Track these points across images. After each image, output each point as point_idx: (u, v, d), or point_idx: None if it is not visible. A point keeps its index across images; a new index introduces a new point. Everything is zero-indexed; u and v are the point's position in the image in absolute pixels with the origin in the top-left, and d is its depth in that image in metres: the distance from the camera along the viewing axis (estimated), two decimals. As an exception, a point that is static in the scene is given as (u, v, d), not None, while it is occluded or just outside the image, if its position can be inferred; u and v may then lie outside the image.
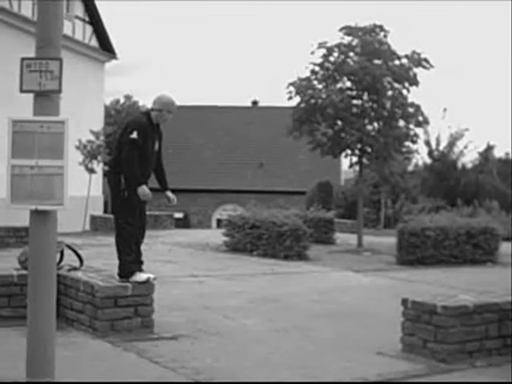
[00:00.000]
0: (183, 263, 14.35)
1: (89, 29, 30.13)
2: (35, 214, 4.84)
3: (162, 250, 16.47)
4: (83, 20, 29.66)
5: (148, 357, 6.40)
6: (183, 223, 36.38)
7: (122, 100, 57.71)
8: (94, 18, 30.10)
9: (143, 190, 7.27)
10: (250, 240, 16.87)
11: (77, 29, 29.02)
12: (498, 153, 50.37)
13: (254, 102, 48.57)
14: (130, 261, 7.43)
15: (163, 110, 7.56)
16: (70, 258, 8.44)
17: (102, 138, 26.20)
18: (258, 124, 44.49)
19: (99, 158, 25.54)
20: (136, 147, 7.29)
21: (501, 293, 7.62)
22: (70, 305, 7.65)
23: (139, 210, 7.55)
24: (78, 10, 29.23)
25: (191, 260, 15.09)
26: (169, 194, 7.79)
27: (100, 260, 12.01)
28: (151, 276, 7.47)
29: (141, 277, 7.40)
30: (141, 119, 7.59)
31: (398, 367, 6.32)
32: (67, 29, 27.10)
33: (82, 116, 25.72)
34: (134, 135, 7.28)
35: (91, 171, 25.29)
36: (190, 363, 6.22)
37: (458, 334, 6.58)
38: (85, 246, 15.54)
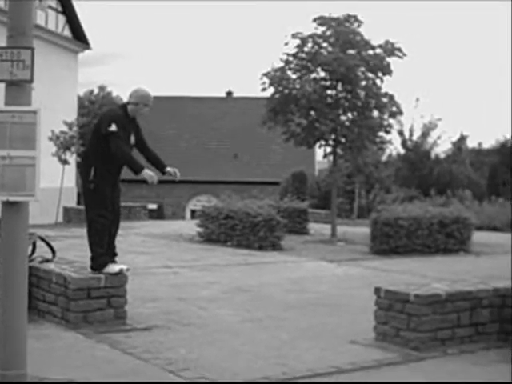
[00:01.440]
0: (157, 254, 14.31)
1: (62, 19, 29.86)
2: (6, 205, 4.80)
3: (135, 242, 16.42)
4: (56, 10, 29.38)
5: (121, 348, 6.37)
6: (157, 214, 36.21)
7: (96, 91, 57.41)
8: (67, 8, 29.83)
9: (147, 174, 7.19)
10: (224, 231, 16.86)
11: (50, 19, 28.74)
12: (471, 143, 50.82)
13: (229, 93, 48.46)
14: (101, 253, 7.38)
15: (140, 103, 7.52)
16: (42, 250, 8.38)
17: (75, 128, 26.01)
18: (232, 115, 44.42)
19: (72, 148, 25.35)
20: (118, 137, 7.24)
21: (473, 281, 7.68)
22: (43, 297, 7.59)
23: (112, 202, 7.50)
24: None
25: (165, 251, 15.05)
26: (169, 169, 7.72)
27: (73, 252, 11.94)
28: (124, 267, 7.43)
29: (113, 268, 7.36)
30: (116, 111, 7.55)
31: (371, 356, 6.35)
32: (40, 19, 26.85)
33: (55, 106, 25.52)
34: (113, 127, 7.22)
35: (64, 162, 25.11)
36: (164, 354, 6.20)
37: (430, 322, 6.62)
38: (58, 238, 15.45)
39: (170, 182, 41.38)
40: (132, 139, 7.58)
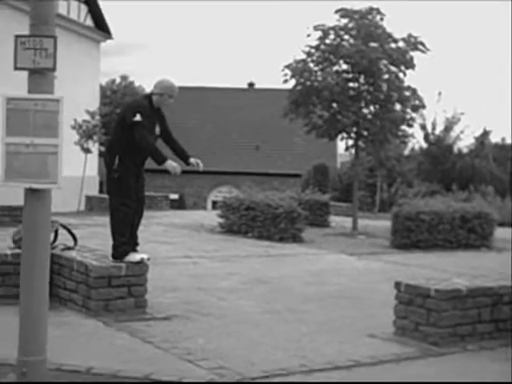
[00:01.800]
0: (178, 244, 14.34)
1: (84, 8, 29.92)
2: (29, 192, 4.83)
3: (157, 231, 16.47)
4: (78, 0, 29.49)
5: (141, 337, 6.41)
6: (178, 204, 36.33)
7: (118, 80, 57.55)
8: (89, -3, 29.95)
9: (171, 165, 7.24)
10: (245, 222, 16.86)
11: (72, 8, 28.80)
12: (494, 138, 50.38)
13: (251, 84, 48.43)
14: (123, 242, 7.42)
15: (164, 94, 7.53)
16: (64, 238, 8.44)
17: (97, 117, 26.08)
18: (254, 106, 44.39)
19: (95, 137, 25.43)
20: (143, 127, 7.26)
21: (494, 277, 7.64)
22: (64, 284, 7.65)
23: (136, 192, 7.52)
24: (73, -11, 29.08)
25: (186, 241, 15.09)
26: (192, 160, 7.77)
27: (94, 240, 12.01)
28: (145, 256, 7.47)
29: (134, 257, 7.40)
30: (141, 102, 7.58)
31: (390, 350, 6.34)
32: (62, 8, 26.92)
33: (78, 95, 25.58)
34: (138, 117, 7.24)
35: (87, 151, 25.19)
36: (182, 344, 6.23)
37: (450, 317, 6.60)
38: (80, 226, 15.53)
39: (192, 173, 41.38)
40: (157, 129, 7.61)
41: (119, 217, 7.44)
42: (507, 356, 6.38)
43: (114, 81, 57.09)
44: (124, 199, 7.39)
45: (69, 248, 8.14)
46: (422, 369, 5.82)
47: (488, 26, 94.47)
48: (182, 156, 7.85)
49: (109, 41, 31.93)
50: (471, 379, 5.57)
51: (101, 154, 32.97)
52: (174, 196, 37.70)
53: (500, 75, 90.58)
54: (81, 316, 7.12)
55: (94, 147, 26.32)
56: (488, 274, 8.41)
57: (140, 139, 7.26)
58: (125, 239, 7.43)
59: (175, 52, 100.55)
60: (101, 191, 31.81)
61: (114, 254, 7.46)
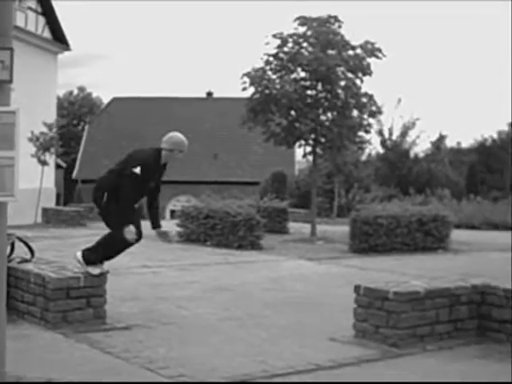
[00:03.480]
0: (136, 254, 14.16)
1: (41, 20, 29.73)
2: (-16, 204, 4.76)
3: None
4: (36, 11, 29.25)
5: (100, 347, 6.36)
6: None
7: (76, 92, 57.17)
8: (46, 9, 29.71)
9: (129, 231, 7.22)
10: (204, 230, 16.86)
11: (29, 20, 28.61)
12: (450, 142, 51.08)
13: (209, 94, 48.45)
14: (102, 256, 7.38)
15: (175, 149, 7.46)
16: (21, 250, 8.33)
17: (54, 129, 25.90)
18: (212, 115, 44.41)
19: (52, 150, 25.24)
20: (136, 182, 7.19)
21: (452, 278, 7.73)
22: (21, 297, 7.55)
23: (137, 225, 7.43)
24: (31, 1, 28.85)
25: (144, 251, 14.94)
26: (161, 231, 7.88)
27: (51, 252, 11.94)
28: (103, 271, 7.43)
29: (95, 270, 7.34)
30: (149, 156, 7.41)
31: (351, 352, 6.37)
32: (20, 20, 26.75)
33: (35, 107, 25.36)
34: (137, 170, 7.15)
35: (43, 163, 24.98)
36: (143, 353, 6.19)
37: (409, 319, 6.66)
38: (36, 239, 15.35)
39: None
40: (151, 185, 7.52)
41: (118, 245, 7.40)
42: (466, 355, 6.46)
43: (71, 92, 56.71)
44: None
45: (26, 260, 8.04)
46: (382, 370, 5.86)
47: (443, 30, 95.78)
48: (153, 222, 7.86)
49: (67, 52, 31.74)
50: (431, 379, 5.63)
51: (58, 166, 32.67)
52: (133, 206, 37.43)
53: (455, 80, 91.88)
54: (39, 328, 7.03)
55: (51, 159, 26.10)
56: (445, 275, 8.51)
57: (126, 193, 7.20)
58: (106, 256, 7.41)
59: (134, 62, 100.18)
60: (57, 203, 31.51)
61: (87, 256, 7.39)
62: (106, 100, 52.59)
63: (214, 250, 15.68)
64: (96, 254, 7.39)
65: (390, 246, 16.01)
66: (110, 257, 7.49)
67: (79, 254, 7.42)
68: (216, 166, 41.97)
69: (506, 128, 49.57)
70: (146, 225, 7.58)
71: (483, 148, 47.13)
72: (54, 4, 29.95)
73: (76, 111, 54.12)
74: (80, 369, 5.65)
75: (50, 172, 28.15)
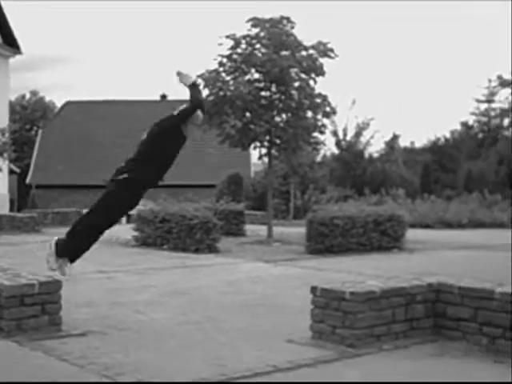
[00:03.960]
0: (91, 259, 14.01)
1: (-8, 24, 29.37)
2: None
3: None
4: (-15, 15, 28.88)
5: (56, 355, 6.27)
6: (92, 219, 35.76)
7: (28, 96, 56.51)
8: (-4, 14, 29.36)
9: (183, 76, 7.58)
10: (161, 234, 16.78)
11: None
12: (404, 142, 51.62)
13: (163, 96, 48.24)
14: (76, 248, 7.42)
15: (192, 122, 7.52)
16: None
17: (7, 135, 25.52)
18: (167, 118, 44.19)
19: (4, 155, 24.86)
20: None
21: (407, 277, 7.79)
22: (-26, 305, 7.41)
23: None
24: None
25: (99, 256, 14.82)
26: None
27: (6, 259, 11.73)
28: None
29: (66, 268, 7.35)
30: None
31: (308, 354, 6.38)
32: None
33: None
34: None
35: (-4, 169, 24.60)
36: (100, 359, 6.13)
37: (366, 318, 6.69)
38: (-10, 246, 15.13)
39: (104, 187, 40.15)
40: None
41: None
42: (422, 353, 6.51)
43: (23, 96, 56.03)
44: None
45: (-22, 268, 7.91)
46: (339, 371, 5.88)
47: (396, 31, 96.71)
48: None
49: (18, 56, 31.35)
50: (387, 378, 5.66)
51: (11, 172, 32.17)
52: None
53: (408, 80, 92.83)
54: (-7, 337, 6.91)
55: (4, 165, 25.73)
56: (401, 274, 8.57)
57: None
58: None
59: (88, 65, 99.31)
60: (11, 209, 31.09)
61: (62, 248, 7.36)
62: (59, 104, 52.06)
63: (170, 253, 15.61)
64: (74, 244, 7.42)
65: (346, 247, 16.11)
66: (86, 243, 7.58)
67: (54, 241, 7.42)
68: (172, 169, 41.59)
69: (458, 127, 50.35)
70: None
71: (436, 147, 47.77)
72: (5, 9, 29.60)
73: (29, 115, 53.46)
74: (35, 377, 5.56)
75: (3, 178, 27.77)
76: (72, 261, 7.51)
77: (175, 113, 7.44)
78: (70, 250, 7.44)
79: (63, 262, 7.42)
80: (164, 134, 7.40)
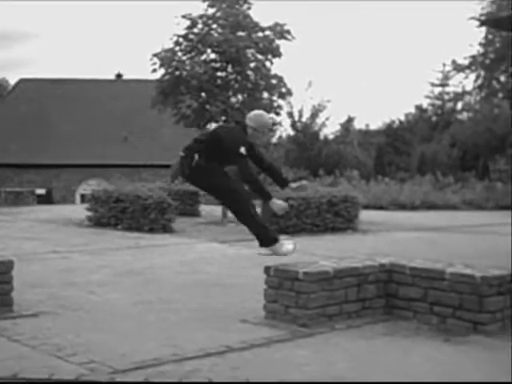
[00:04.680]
0: (45, 240, 14.00)
1: None
2: None
3: (23, 227, 16.02)
4: None
5: (7, 335, 6.20)
6: (46, 199, 35.46)
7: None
8: None
9: (276, 204, 7.43)
10: (115, 214, 16.68)
11: None
12: (359, 124, 51.95)
13: (119, 75, 47.77)
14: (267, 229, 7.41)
15: (259, 130, 7.37)
16: None
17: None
18: (122, 97, 43.81)
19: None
20: (247, 162, 7.21)
21: (360, 258, 7.86)
22: None
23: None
24: None
25: (53, 236, 14.75)
26: (294, 185, 7.71)
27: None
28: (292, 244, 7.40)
29: (286, 246, 7.43)
30: (242, 135, 7.31)
31: (261, 333, 6.42)
32: None
33: None
34: (243, 150, 7.10)
35: None
36: (52, 340, 6.08)
37: (318, 298, 6.74)
38: None
39: (60, 166, 40.11)
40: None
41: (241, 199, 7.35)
42: (374, 332, 6.60)
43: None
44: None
45: None
46: (292, 350, 5.92)
47: (354, 13, 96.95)
48: (278, 182, 7.79)
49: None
50: (338, 357, 5.72)
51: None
52: (41, 191, 36.76)
53: (364, 63, 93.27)
54: None
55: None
56: (354, 255, 8.65)
57: (246, 172, 7.22)
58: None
59: (38, 42, 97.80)
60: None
61: (263, 242, 7.45)
62: (11, 81, 51.25)
63: (125, 233, 15.54)
64: (265, 235, 7.37)
65: (301, 227, 16.19)
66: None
67: (262, 249, 7.46)
68: (127, 148, 41.49)
69: (413, 111, 50.79)
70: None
71: (391, 130, 48.14)
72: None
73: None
74: (-15, 358, 5.51)
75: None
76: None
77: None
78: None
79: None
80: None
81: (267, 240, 7.39)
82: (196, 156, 7.30)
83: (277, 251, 7.40)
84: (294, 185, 7.76)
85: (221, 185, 7.37)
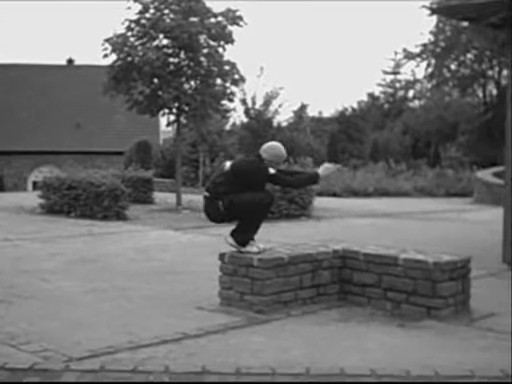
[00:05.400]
0: (-4, 227, 13.79)
1: None
2: None
3: (-28, 215, 15.76)
4: None
5: (-42, 325, 6.12)
6: (-4, 187, 35.01)
7: None
8: None
9: (326, 168, 7.42)
10: (67, 201, 16.49)
11: None
12: (312, 112, 52.09)
13: (70, 61, 47.15)
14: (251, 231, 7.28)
15: (274, 161, 7.25)
16: None
17: None
18: (73, 83, 43.25)
19: None
20: (280, 176, 7.23)
21: (314, 244, 7.90)
22: None
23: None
24: None
25: (4, 224, 14.55)
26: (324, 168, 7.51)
27: None
28: (261, 246, 7.22)
29: (252, 248, 7.13)
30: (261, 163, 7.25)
31: (217, 320, 6.43)
32: None
33: None
34: (272, 171, 7.10)
35: None
36: (4, 328, 6.01)
37: (273, 285, 6.77)
38: None
39: (11, 153, 39.62)
40: None
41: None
42: (328, 318, 6.65)
43: None
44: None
45: None
46: (247, 337, 5.94)
47: (308, 1, 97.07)
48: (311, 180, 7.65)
49: None
50: (293, 342, 5.75)
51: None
52: (-8, 178, 36.25)
53: (317, 50, 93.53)
54: None
55: None
56: (308, 241, 8.68)
57: (294, 184, 7.83)
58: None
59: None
60: None
61: (235, 237, 7.22)
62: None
63: (77, 221, 15.38)
64: (243, 234, 7.16)
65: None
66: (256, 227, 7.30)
67: (230, 239, 7.19)
68: (79, 135, 41.03)
69: (365, 98, 51.14)
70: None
71: (343, 117, 48.41)
72: None
73: None
74: None
75: None
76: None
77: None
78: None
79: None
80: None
81: (242, 239, 7.24)
82: (220, 203, 7.23)
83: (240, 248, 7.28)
84: (323, 169, 7.56)
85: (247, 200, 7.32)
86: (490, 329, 6.39)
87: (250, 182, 7.14)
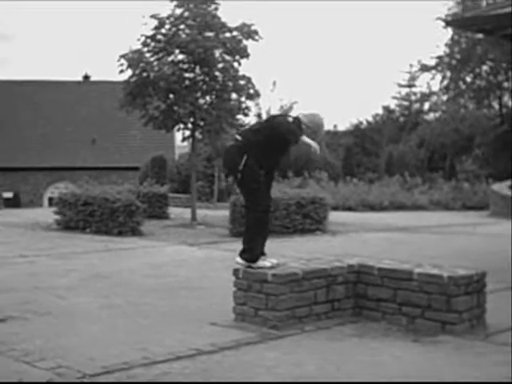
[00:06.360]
0: (12, 244, 13.88)
1: None
2: None
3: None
4: None
5: (-26, 341, 6.15)
6: (13, 203, 35.17)
7: None
8: None
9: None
10: (83, 217, 16.56)
11: None
12: (326, 125, 52.00)
13: (86, 77, 47.45)
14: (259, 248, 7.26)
15: (311, 129, 7.14)
16: None
17: None
18: (89, 99, 43.51)
19: None
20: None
21: (328, 259, 7.88)
22: None
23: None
24: None
25: (21, 240, 14.63)
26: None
27: None
28: (274, 261, 7.17)
29: (264, 263, 7.08)
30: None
31: (231, 336, 6.42)
32: None
33: None
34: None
35: None
36: (20, 345, 6.03)
37: (288, 300, 6.76)
38: None
39: (27, 170, 39.76)
40: None
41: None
42: (343, 334, 6.62)
43: None
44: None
45: None
46: (261, 352, 5.93)
47: (319, 15, 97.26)
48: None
49: None
50: (308, 357, 5.74)
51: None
52: (9, 194, 36.44)
53: (332, 63, 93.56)
54: None
55: None
56: (323, 256, 8.66)
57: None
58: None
59: (5, 43, 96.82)
60: None
61: (244, 257, 7.10)
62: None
63: (93, 237, 15.43)
64: (250, 252, 7.13)
65: (270, 229, 16.05)
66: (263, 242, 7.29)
67: (239, 260, 7.13)
68: (94, 151, 41.23)
69: (380, 111, 51.06)
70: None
71: (359, 131, 48.33)
72: None
73: None
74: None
75: None
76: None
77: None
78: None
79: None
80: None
81: (251, 257, 7.18)
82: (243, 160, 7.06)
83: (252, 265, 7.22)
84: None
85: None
86: (505, 343, 6.34)
87: (279, 142, 7.02)
